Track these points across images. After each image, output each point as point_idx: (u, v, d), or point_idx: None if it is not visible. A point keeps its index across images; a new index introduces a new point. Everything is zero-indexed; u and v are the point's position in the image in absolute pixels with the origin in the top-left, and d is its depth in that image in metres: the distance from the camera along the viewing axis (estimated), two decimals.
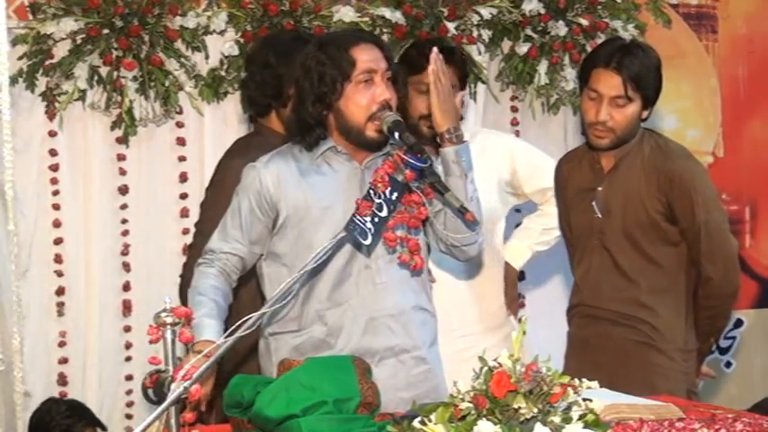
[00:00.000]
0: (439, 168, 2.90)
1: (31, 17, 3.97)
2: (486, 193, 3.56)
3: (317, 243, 2.81)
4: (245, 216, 2.93)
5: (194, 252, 3.39)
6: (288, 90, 3.23)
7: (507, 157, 3.70)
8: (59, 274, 4.06)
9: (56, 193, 4.05)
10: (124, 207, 4.11)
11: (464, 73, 3.62)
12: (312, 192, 2.90)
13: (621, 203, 3.42)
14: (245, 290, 3.30)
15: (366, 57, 2.86)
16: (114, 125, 4.06)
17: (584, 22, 4.50)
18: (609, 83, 3.34)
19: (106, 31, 3.97)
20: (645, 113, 3.41)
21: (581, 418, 2.10)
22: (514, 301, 3.80)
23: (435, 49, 2.87)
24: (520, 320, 3.70)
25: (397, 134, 2.77)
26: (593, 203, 3.45)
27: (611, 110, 3.34)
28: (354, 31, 3.44)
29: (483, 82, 4.46)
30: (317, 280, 2.87)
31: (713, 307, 3.43)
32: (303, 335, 2.91)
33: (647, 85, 3.35)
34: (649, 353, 3.40)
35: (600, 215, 3.45)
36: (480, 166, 3.27)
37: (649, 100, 3.39)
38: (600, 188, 3.45)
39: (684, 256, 3.41)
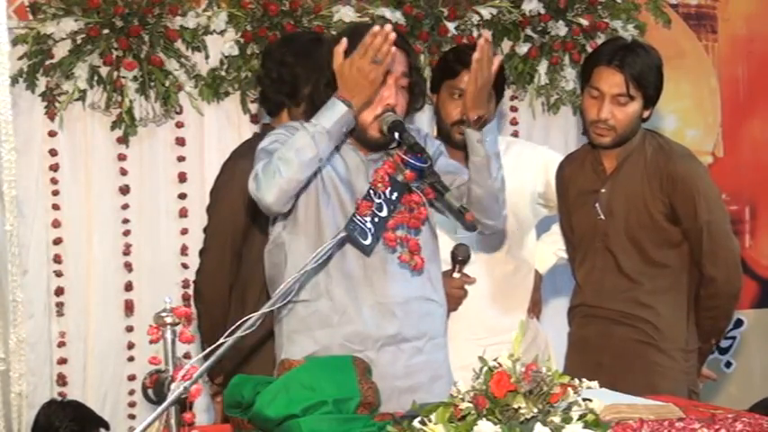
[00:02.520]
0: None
1: (31, 17, 3.97)
2: (519, 204, 3.56)
3: (323, 218, 2.83)
4: None
5: (207, 257, 3.38)
6: (303, 90, 3.19)
7: (542, 169, 3.63)
8: (59, 274, 4.05)
9: (56, 193, 4.04)
10: (125, 207, 4.11)
11: (500, 82, 3.45)
12: (326, 167, 2.88)
13: (624, 205, 3.42)
14: (251, 291, 3.29)
15: None
16: (114, 125, 4.06)
17: (584, 22, 4.50)
18: (611, 80, 3.34)
19: (106, 31, 3.97)
20: (646, 113, 3.42)
21: (581, 418, 2.10)
22: (537, 305, 3.76)
23: (486, 35, 2.82)
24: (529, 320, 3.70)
25: (396, 134, 2.77)
26: (596, 205, 3.45)
27: (612, 108, 3.35)
28: None
29: None
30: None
31: (715, 307, 3.43)
32: (311, 307, 2.88)
33: (648, 83, 3.36)
34: (650, 352, 3.40)
35: (603, 217, 3.45)
36: (514, 177, 3.28)
37: (650, 99, 3.40)
38: (603, 190, 3.45)
39: (687, 256, 3.42)
